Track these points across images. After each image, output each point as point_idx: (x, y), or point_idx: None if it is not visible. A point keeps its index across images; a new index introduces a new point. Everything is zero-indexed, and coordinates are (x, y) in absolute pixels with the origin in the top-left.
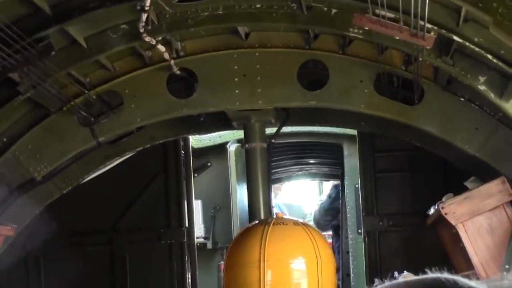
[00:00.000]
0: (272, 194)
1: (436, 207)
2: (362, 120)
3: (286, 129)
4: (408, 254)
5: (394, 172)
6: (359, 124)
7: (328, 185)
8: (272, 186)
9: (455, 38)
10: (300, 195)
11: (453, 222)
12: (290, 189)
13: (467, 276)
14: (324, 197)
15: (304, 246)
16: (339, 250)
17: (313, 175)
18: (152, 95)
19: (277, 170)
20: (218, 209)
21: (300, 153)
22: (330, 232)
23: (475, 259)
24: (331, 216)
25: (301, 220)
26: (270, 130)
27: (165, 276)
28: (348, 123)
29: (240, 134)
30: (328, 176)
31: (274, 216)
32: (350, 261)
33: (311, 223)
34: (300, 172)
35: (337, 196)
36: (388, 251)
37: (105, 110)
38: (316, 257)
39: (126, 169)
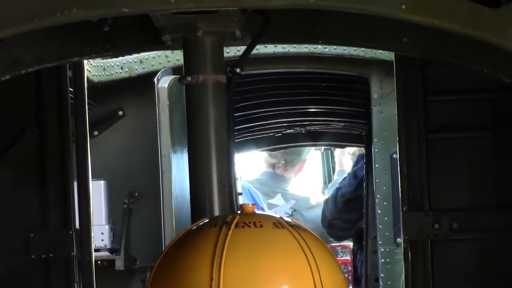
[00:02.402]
0: (238, 170)
1: None
2: (404, 35)
3: (265, 49)
4: (486, 282)
5: (463, 131)
6: (398, 42)
7: (347, 158)
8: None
9: None
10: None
11: None
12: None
13: None
14: (342, 176)
15: (293, 268)
16: (361, 273)
17: (315, 137)
18: None
19: (247, 125)
20: (137, 197)
21: (290, 95)
22: (350, 244)
23: None
24: (355, 213)
25: (288, 219)
26: (234, 52)
27: None
28: (378, 39)
29: (177, 57)
30: (342, 139)
31: (239, 211)
32: None
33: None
34: (290, 131)
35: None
36: (450, 276)
37: None
38: None
39: None
